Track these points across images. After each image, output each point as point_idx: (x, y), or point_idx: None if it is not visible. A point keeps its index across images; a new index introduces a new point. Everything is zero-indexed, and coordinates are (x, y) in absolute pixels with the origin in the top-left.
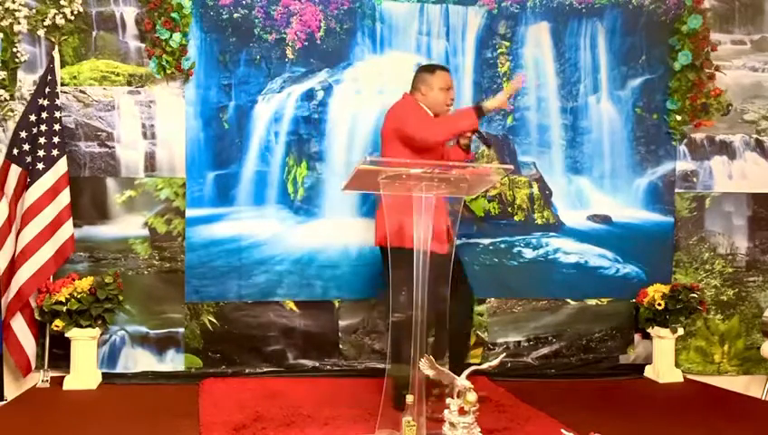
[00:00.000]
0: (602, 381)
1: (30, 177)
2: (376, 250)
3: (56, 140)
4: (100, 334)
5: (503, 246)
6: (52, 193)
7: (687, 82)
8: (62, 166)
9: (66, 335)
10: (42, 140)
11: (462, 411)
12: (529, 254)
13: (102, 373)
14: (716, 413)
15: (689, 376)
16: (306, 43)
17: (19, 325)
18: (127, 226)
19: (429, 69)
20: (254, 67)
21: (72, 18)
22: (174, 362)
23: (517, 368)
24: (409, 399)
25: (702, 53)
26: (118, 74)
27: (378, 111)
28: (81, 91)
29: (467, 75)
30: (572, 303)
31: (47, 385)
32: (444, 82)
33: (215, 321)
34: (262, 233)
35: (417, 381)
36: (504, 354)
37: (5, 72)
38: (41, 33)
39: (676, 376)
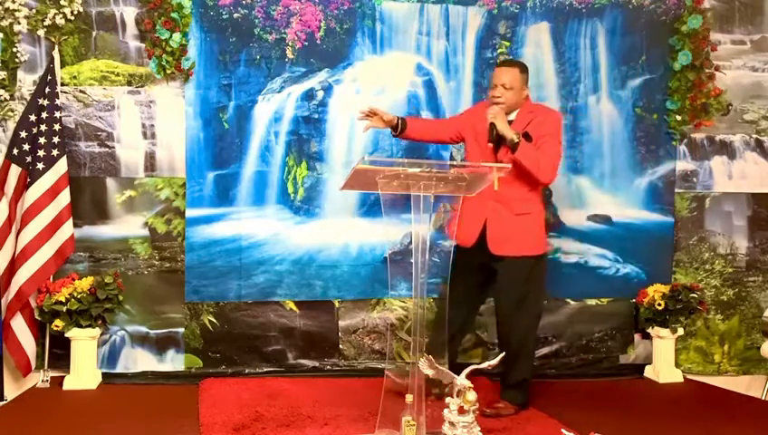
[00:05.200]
0: (602, 381)
1: (30, 177)
2: (376, 250)
3: (56, 140)
4: (100, 334)
5: None
6: (52, 193)
7: (687, 82)
8: (62, 166)
9: (66, 335)
10: (42, 140)
11: (461, 411)
12: None
13: (102, 373)
14: (716, 413)
15: (689, 376)
16: (306, 43)
17: (19, 325)
18: (127, 226)
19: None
20: (254, 67)
21: (72, 18)
22: (174, 362)
23: None
24: (409, 398)
25: (702, 53)
26: (118, 74)
27: None
28: (81, 91)
29: (467, 75)
30: (572, 303)
31: (47, 385)
32: (493, 79)
33: (215, 321)
34: (262, 233)
35: (416, 381)
36: (504, 354)
37: (5, 72)
38: (41, 33)
39: (676, 376)
